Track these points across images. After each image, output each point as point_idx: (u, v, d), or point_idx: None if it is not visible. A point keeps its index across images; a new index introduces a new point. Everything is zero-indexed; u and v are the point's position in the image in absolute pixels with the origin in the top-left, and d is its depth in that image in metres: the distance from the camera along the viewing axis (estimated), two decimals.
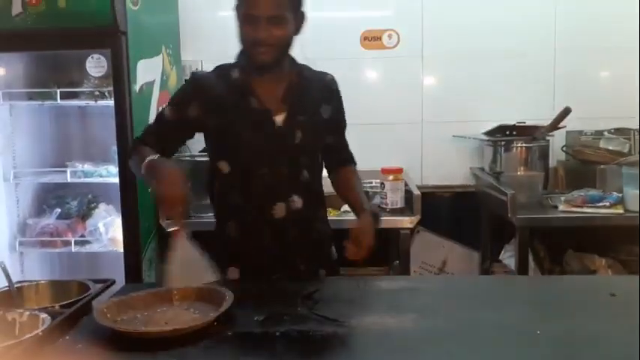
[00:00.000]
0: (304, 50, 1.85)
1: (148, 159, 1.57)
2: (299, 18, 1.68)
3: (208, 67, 3.10)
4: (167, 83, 2.90)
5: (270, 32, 1.59)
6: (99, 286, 1.57)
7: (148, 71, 2.70)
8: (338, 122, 1.88)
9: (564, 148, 3.05)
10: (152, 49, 2.76)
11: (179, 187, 1.49)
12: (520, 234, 2.57)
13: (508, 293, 1.57)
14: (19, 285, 1.60)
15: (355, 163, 1.96)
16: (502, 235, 2.95)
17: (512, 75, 3.19)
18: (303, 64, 1.80)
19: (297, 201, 1.72)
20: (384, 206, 2.71)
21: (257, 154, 1.70)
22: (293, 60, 1.76)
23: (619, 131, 2.99)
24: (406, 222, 2.61)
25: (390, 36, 3.17)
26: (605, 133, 3.01)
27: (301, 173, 1.74)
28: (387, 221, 2.62)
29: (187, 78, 1.85)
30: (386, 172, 2.74)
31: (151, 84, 2.74)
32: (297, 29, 1.68)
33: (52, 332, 1.26)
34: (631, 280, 1.66)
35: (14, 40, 2.52)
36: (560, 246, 2.90)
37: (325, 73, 1.86)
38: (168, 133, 1.75)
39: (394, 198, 2.71)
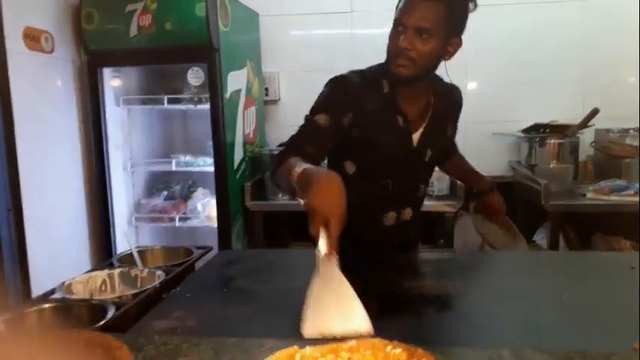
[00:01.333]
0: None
1: (299, 167, 1.13)
2: (454, 43, 1.39)
3: (284, 78, 3.27)
4: (251, 91, 2.95)
5: (414, 44, 1.32)
6: (200, 251, 1.65)
7: (236, 81, 2.74)
8: (456, 130, 1.68)
9: (593, 144, 2.95)
10: (239, 63, 2.80)
11: (339, 198, 1.01)
12: (552, 218, 2.53)
13: (540, 265, 1.55)
14: (138, 249, 1.67)
15: (459, 152, 1.87)
16: (535, 219, 2.89)
17: (546, 80, 3.08)
18: (436, 76, 1.52)
19: (408, 213, 1.57)
20: (430, 193, 2.71)
21: (388, 166, 1.50)
22: (434, 76, 1.50)
23: None
24: (450, 207, 2.60)
25: None
26: (631, 130, 2.87)
27: (419, 188, 1.59)
28: (434, 206, 2.62)
29: (333, 82, 1.46)
30: None
31: (238, 92, 2.77)
32: (448, 53, 1.39)
33: (166, 284, 1.36)
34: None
35: (131, 57, 2.61)
36: (589, 229, 2.80)
37: (454, 87, 1.62)
38: (325, 139, 1.41)
39: (440, 186, 2.71)
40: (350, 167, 1.51)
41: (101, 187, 2.72)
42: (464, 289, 1.29)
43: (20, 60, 2.20)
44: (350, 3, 3.21)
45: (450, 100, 1.58)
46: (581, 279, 1.36)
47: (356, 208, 1.44)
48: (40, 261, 2.26)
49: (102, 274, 1.47)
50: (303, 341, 0.80)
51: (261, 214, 2.80)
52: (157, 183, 3.13)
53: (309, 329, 0.92)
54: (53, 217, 2.45)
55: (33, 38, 2.30)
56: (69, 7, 2.55)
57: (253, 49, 3.08)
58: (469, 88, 3.16)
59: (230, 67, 2.67)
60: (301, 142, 1.39)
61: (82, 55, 2.65)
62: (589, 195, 2.56)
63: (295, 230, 2.85)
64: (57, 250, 2.42)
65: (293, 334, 0.91)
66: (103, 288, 1.46)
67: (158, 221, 2.92)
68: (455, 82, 1.64)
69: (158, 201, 2.98)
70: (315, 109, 1.43)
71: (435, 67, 1.43)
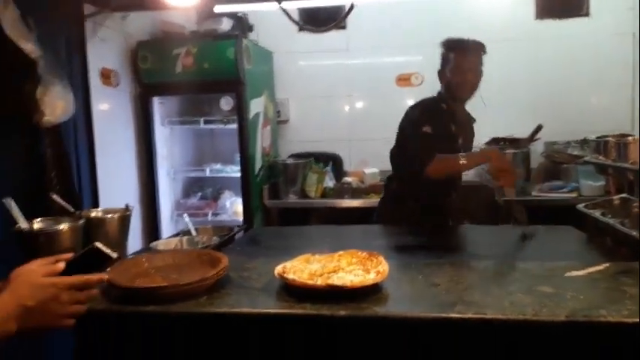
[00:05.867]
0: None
1: (458, 157, 2.00)
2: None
3: (293, 103, 3.94)
4: (267, 114, 3.58)
5: (473, 80, 2.12)
6: (237, 227, 2.28)
7: (256, 106, 3.36)
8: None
9: (543, 154, 3.59)
10: (258, 92, 3.43)
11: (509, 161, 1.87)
12: (504, 210, 3.17)
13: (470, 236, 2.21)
14: (196, 227, 2.32)
15: None
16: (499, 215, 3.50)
17: (507, 102, 3.66)
18: None
19: (454, 194, 2.28)
20: None
21: None
22: None
23: (583, 141, 3.46)
24: None
25: (416, 77, 3.75)
26: (572, 142, 3.52)
27: (460, 177, 2.34)
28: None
29: (417, 107, 2.23)
30: None
31: (257, 114, 3.41)
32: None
33: (220, 245, 2.00)
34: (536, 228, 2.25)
35: (176, 88, 3.26)
36: (540, 222, 3.40)
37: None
38: (435, 140, 2.05)
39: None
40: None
41: (151, 188, 3.37)
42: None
43: (98, 92, 2.87)
44: (347, 42, 3.88)
45: (472, 121, 2.34)
46: (488, 239, 2.03)
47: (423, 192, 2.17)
48: None
49: (175, 240, 2.11)
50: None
51: (276, 210, 3.45)
52: (193, 186, 3.72)
53: None
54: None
55: (106, 76, 2.98)
56: (129, 51, 3.23)
57: (268, 80, 3.72)
58: None
59: (252, 95, 3.31)
60: (430, 146, 2.01)
61: (137, 87, 3.32)
62: (534, 193, 3.21)
63: (302, 221, 3.50)
64: None
65: None
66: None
67: (194, 216, 3.45)
68: None
69: (194, 201, 3.58)
70: (417, 125, 2.10)
71: None
